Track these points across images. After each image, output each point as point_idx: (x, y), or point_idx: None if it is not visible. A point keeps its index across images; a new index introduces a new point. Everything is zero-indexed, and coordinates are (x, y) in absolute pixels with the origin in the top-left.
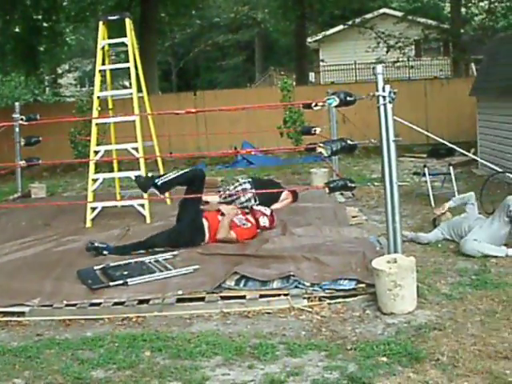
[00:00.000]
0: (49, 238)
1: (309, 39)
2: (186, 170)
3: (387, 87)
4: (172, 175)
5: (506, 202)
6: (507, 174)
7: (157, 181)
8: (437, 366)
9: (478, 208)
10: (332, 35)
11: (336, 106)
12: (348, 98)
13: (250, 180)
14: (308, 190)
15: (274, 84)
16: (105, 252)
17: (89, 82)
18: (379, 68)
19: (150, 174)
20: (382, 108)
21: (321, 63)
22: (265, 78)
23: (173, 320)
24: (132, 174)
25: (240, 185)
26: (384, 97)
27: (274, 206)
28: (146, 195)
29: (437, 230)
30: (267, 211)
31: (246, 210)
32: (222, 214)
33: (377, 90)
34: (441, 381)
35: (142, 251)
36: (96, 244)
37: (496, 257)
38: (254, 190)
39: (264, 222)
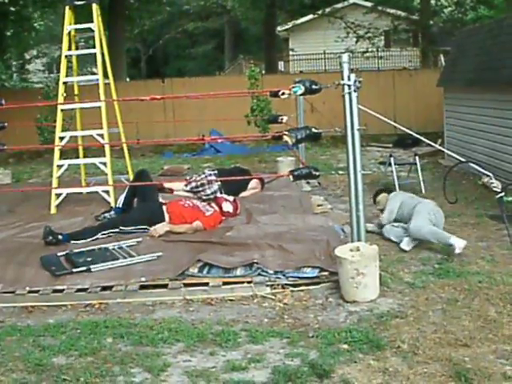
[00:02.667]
0: (13, 224)
1: (279, 28)
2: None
3: (352, 76)
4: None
5: None
6: (471, 165)
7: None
8: (397, 354)
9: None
10: (302, 24)
11: (301, 94)
12: (313, 87)
13: (215, 172)
14: (273, 178)
15: (243, 72)
16: (60, 237)
17: (57, 68)
18: (345, 57)
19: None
20: (347, 97)
21: (290, 52)
22: (234, 66)
23: (135, 307)
24: (97, 161)
25: (206, 176)
26: (349, 85)
27: (242, 195)
28: (110, 181)
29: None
30: (230, 197)
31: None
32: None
33: (342, 79)
34: (401, 368)
35: (98, 236)
36: (52, 228)
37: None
38: (219, 182)
39: (227, 207)
